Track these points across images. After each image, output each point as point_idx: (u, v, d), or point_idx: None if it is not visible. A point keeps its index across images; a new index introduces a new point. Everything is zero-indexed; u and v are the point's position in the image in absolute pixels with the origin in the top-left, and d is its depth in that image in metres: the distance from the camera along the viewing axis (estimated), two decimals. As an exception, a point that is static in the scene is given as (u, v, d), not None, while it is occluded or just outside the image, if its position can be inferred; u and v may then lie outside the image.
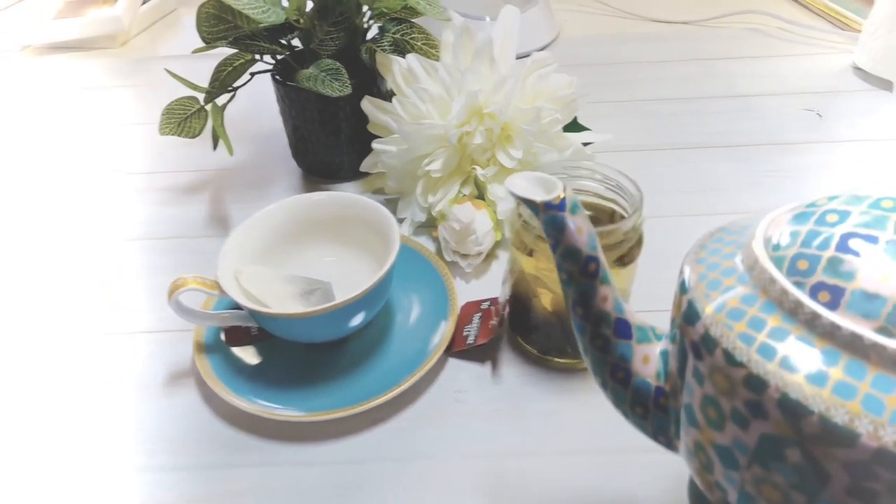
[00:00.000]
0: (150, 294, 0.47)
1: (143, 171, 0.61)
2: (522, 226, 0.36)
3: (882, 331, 0.18)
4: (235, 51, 0.51)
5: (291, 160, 0.59)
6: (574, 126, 0.50)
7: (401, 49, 0.51)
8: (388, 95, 0.52)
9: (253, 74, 0.52)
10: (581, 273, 0.24)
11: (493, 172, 0.48)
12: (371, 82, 0.53)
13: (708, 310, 0.21)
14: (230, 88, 0.51)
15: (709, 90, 0.69)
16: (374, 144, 0.49)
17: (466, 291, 0.46)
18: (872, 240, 0.20)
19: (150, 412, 0.39)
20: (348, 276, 0.42)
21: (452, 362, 0.41)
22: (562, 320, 0.38)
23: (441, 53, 0.48)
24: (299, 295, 0.41)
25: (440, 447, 0.36)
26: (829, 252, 0.20)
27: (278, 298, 0.39)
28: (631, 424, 0.27)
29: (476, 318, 0.42)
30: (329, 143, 0.54)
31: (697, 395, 0.22)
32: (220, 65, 0.50)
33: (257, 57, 0.51)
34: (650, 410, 0.25)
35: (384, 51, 0.50)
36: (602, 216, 0.38)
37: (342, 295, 0.40)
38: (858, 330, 0.18)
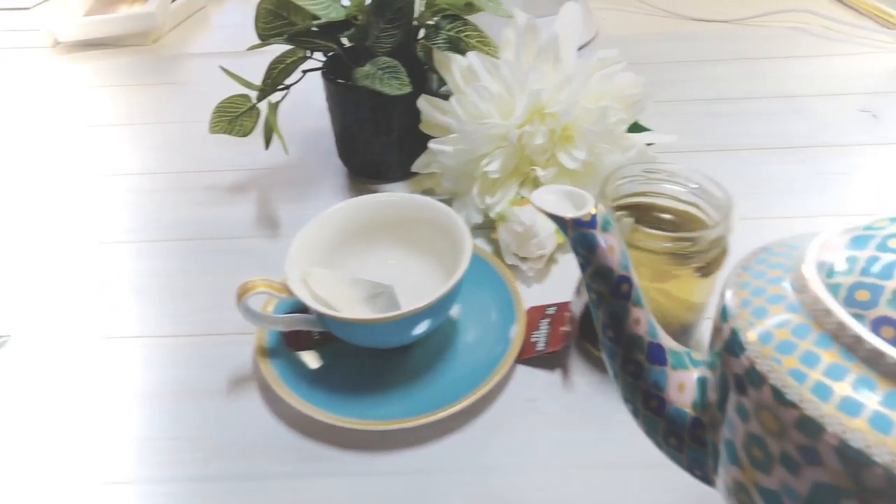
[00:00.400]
0: (199, 296, 0.46)
1: (184, 170, 0.60)
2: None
3: None
4: (287, 48, 0.50)
5: (337, 160, 0.58)
6: (634, 126, 0.49)
7: (456, 47, 0.49)
8: (437, 94, 0.51)
9: (305, 72, 0.51)
10: (612, 294, 0.23)
11: (553, 174, 0.47)
12: (422, 81, 0.52)
13: (753, 340, 0.20)
14: (282, 86, 0.50)
15: (756, 90, 0.68)
16: (431, 144, 0.48)
17: (528, 296, 0.45)
18: None
19: (211, 418, 0.38)
20: (411, 280, 0.41)
21: (521, 369, 0.40)
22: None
23: (501, 51, 0.47)
24: (364, 299, 0.40)
25: (513, 458, 0.35)
26: (894, 282, 0.18)
27: (346, 302, 0.38)
28: (665, 455, 0.25)
29: (544, 325, 0.41)
30: (380, 142, 0.53)
31: (741, 433, 0.20)
32: (272, 62, 0.49)
33: (308, 55, 0.50)
34: (685, 442, 0.24)
35: (439, 48, 0.49)
36: (683, 222, 0.37)
37: (405, 299, 0.40)
38: None
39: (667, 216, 0.37)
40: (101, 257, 0.51)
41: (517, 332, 0.40)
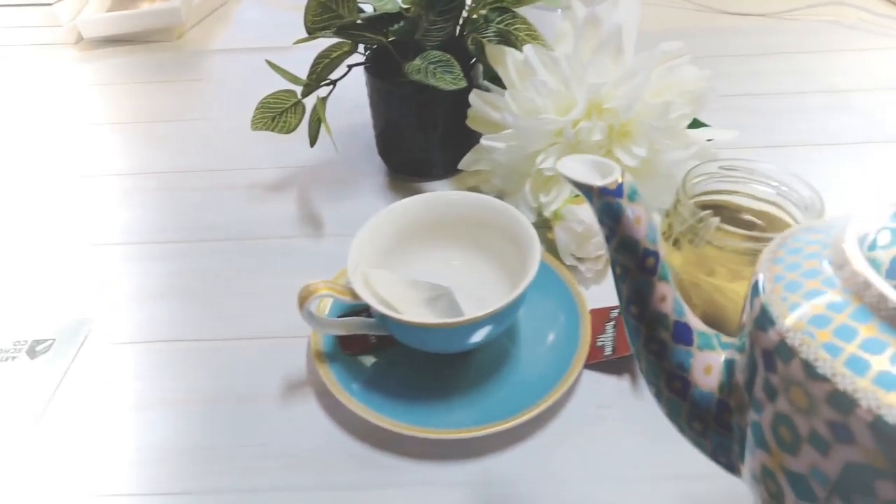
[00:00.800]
0: (244, 298, 0.45)
1: (218, 168, 0.59)
2: (676, 206, 0.33)
3: None
4: (333, 42, 0.48)
5: (377, 157, 0.57)
6: (692, 122, 0.48)
7: (506, 40, 0.48)
8: (483, 88, 0.50)
9: (350, 67, 0.50)
10: (638, 268, 0.22)
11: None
12: (470, 75, 0.50)
13: (785, 314, 0.19)
14: (327, 81, 0.49)
15: (801, 85, 0.66)
16: (484, 140, 0.46)
17: (587, 298, 0.43)
18: None
19: (268, 426, 0.37)
20: (473, 282, 0.40)
21: (588, 374, 0.38)
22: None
23: (558, 44, 0.46)
24: (425, 301, 0.38)
25: (584, 469, 0.34)
26: None
27: (406, 304, 0.37)
28: (688, 440, 0.24)
29: (609, 328, 0.39)
30: (424, 139, 0.52)
31: (768, 413, 0.19)
32: (318, 57, 0.48)
33: (355, 49, 0.49)
34: (710, 427, 0.23)
35: (490, 42, 0.47)
36: (763, 222, 0.35)
37: (466, 302, 0.38)
38: None
39: (745, 216, 0.36)
40: (139, 259, 0.49)
41: (583, 335, 0.38)
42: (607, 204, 0.21)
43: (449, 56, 0.45)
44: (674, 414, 0.24)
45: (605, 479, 0.33)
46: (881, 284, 0.17)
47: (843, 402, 0.17)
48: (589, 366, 0.38)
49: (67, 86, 0.75)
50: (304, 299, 0.34)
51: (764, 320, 0.19)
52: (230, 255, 0.49)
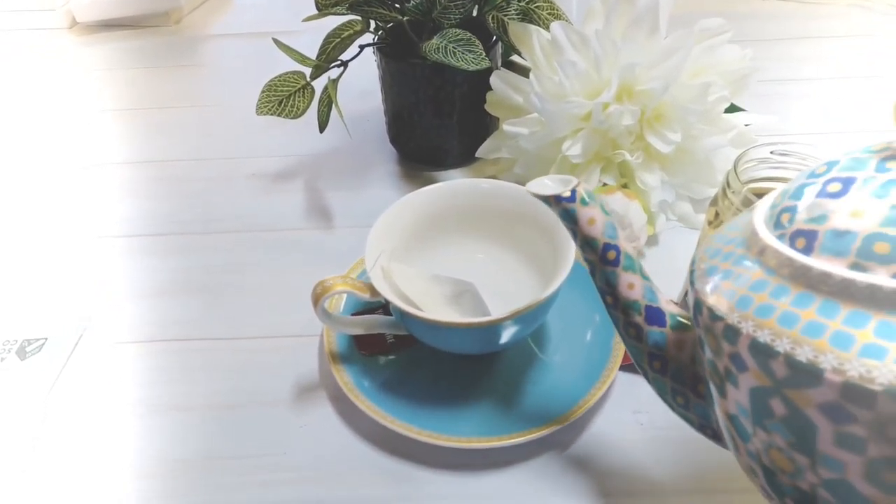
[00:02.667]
0: (251, 295, 0.42)
1: (220, 156, 0.56)
2: (724, 193, 0.31)
3: (855, 266, 0.18)
4: (343, 21, 0.45)
5: (388, 145, 0.54)
6: (729, 106, 0.45)
7: (528, 19, 0.45)
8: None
9: (362, 47, 0.47)
10: (601, 261, 0.25)
11: (641, 158, 0.42)
12: (487, 55, 0.47)
13: (698, 270, 0.22)
14: (338, 63, 0.46)
15: (827, 71, 0.63)
16: (507, 126, 0.43)
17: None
18: (849, 181, 0.19)
19: (279, 433, 0.34)
20: (500, 278, 0.37)
21: (622, 377, 0.36)
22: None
23: (586, 22, 0.43)
24: (448, 298, 0.35)
25: (622, 481, 0.31)
26: (809, 199, 0.20)
27: (430, 302, 0.34)
28: (680, 418, 0.26)
29: (645, 326, 0.36)
30: (440, 125, 0.49)
31: (706, 365, 0.22)
32: (328, 36, 0.45)
33: (367, 27, 0.46)
34: (690, 399, 0.25)
35: (512, 20, 0.44)
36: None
37: (492, 300, 0.35)
38: (829, 268, 0.18)
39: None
40: (140, 252, 0.46)
41: (617, 336, 0.35)
42: (564, 210, 0.25)
43: (470, 34, 0.42)
44: (662, 392, 0.26)
45: (642, 494, 0.31)
46: (764, 233, 0.20)
47: (732, 334, 0.20)
48: (624, 367, 0.36)
49: (62, 72, 0.71)
50: (318, 296, 0.31)
51: (691, 279, 0.23)
52: (235, 248, 0.46)
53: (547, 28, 0.44)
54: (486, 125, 0.50)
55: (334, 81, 0.44)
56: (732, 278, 0.20)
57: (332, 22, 0.45)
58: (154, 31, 0.79)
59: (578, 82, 0.41)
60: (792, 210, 0.20)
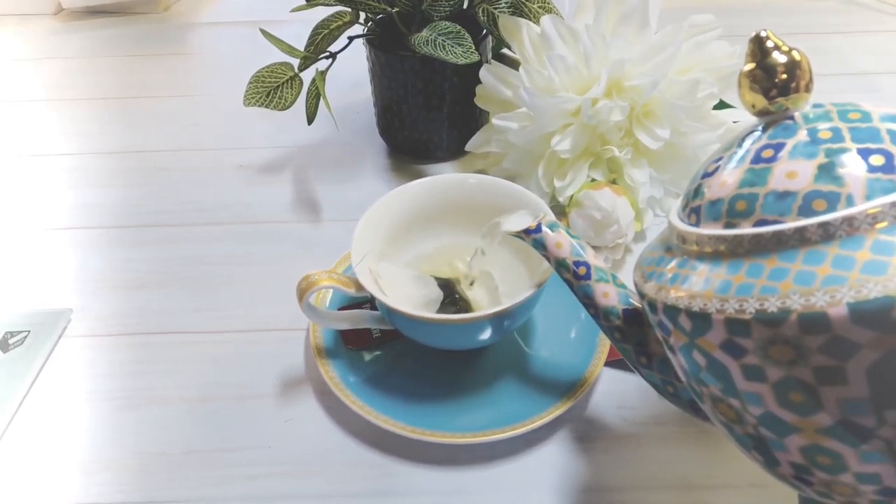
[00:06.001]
0: (237, 288, 0.42)
1: (208, 147, 0.55)
2: None
3: (728, 225, 0.20)
4: (333, 11, 0.44)
5: (378, 137, 0.53)
6: (717, 103, 0.45)
7: (519, 12, 0.44)
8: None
9: (351, 38, 0.46)
10: (575, 277, 0.28)
11: (630, 154, 0.42)
12: (477, 49, 0.47)
13: (638, 269, 0.25)
14: (326, 54, 0.45)
15: (822, 67, 0.63)
16: (496, 120, 0.43)
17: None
18: (721, 159, 0.22)
19: (263, 428, 0.34)
20: (487, 273, 0.37)
21: (607, 373, 0.36)
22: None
23: (577, 15, 0.42)
24: (434, 294, 0.35)
25: (609, 476, 0.31)
26: (746, 164, 0.21)
27: (416, 298, 0.34)
28: (674, 405, 0.27)
29: (631, 322, 0.37)
30: (430, 118, 0.48)
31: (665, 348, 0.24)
32: (316, 27, 0.44)
33: (356, 18, 0.45)
34: (677, 387, 0.26)
35: (503, 13, 0.44)
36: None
37: (479, 295, 0.35)
38: (707, 231, 0.21)
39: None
40: (124, 244, 0.46)
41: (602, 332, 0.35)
42: (534, 240, 0.29)
43: (460, 27, 0.41)
44: (656, 386, 0.27)
45: (626, 488, 0.31)
46: (673, 217, 0.23)
47: (652, 306, 0.22)
48: (610, 363, 0.36)
49: (47, 59, 0.70)
50: (304, 291, 0.31)
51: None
52: (222, 240, 0.46)
53: (537, 22, 0.43)
54: (476, 118, 0.50)
55: (322, 73, 0.44)
56: (656, 260, 0.24)
57: (323, 13, 0.45)
58: (142, 17, 0.78)
59: (568, 77, 0.41)
60: (688, 195, 0.23)
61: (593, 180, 0.43)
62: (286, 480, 0.32)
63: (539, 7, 0.45)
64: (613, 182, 0.43)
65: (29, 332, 0.38)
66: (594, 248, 0.42)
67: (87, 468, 0.32)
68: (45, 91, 0.64)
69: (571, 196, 0.42)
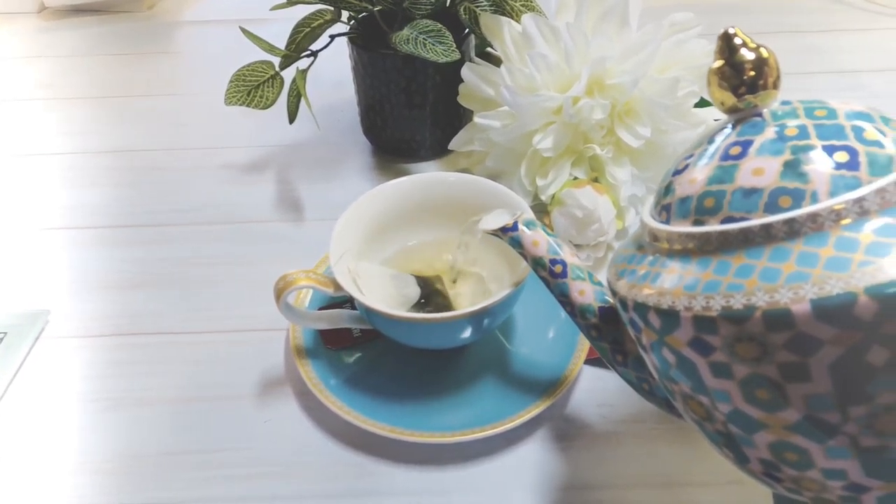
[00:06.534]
0: (217, 288, 0.42)
1: (191, 146, 0.55)
2: None
3: (696, 222, 0.20)
4: (314, 10, 0.44)
5: (362, 136, 0.53)
6: (698, 101, 0.45)
7: (501, 10, 0.44)
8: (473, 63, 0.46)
9: (333, 37, 0.46)
10: (551, 275, 0.28)
11: (611, 152, 0.42)
12: (457, 48, 0.46)
13: (612, 268, 0.25)
14: (307, 52, 0.45)
15: (809, 65, 0.64)
16: (478, 119, 0.43)
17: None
18: (691, 157, 0.22)
19: (242, 429, 0.34)
20: (468, 272, 0.37)
21: (587, 371, 0.36)
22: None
23: (559, 14, 0.42)
24: (413, 294, 0.35)
25: (589, 474, 0.31)
26: (714, 162, 0.21)
27: (395, 297, 0.34)
28: (649, 402, 0.27)
29: (612, 320, 0.37)
30: (413, 117, 0.48)
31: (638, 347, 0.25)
32: (297, 25, 0.44)
33: (337, 17, 0.45)
34: (652, 384, 0.26)
35: (484, 11, 0.44)
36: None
37: (459, 294, 0.35)
38: (676, 229, 0.21)
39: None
40: (105, 244, 0.45)
41: (584, 330, 0.35)
42: (511, 238, 0.29)
43: (440, 25, 0.41)
44: (631, 383, 0.28)
45: (605, 486, 0.31)
46: (645, 215, 0.23)
47: (624, 304, 0.22)
48: (589, 361, 0.36)
49: (30, 58, 0.69)
50: (281, 291, 0.31)
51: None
52: (203, 240, 0.45)
53: (519, 20, 0.43)
54: (459, 117, 0.50)
55: (303, 72, 0.44)
56: (628, 260, 0.24)
57: (304, 10, 0.45)
58: (126, 16, 0.77)
59: (549, 75, 0.41)
60: (659, 192, 0.23)
61: (575, 178, 0.43)
62: (265, 481, 0.32)
63: (521, 5, 0.45)
64: (595, 180, 0.43)
65: (6, 333, 0.38)
66: (576, 246, 0.42)
67: (65, 470, 0.32)
68: (29, 90, 0.64)
69: (554, 194, 0.42)
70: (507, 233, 0.29)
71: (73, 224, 0.47)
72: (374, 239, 0.37)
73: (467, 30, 0.47)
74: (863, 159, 0.18)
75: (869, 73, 0.62)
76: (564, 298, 0.28)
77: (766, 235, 0.18)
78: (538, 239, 0.29)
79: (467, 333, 0.33)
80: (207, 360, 0.37)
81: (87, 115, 0.59)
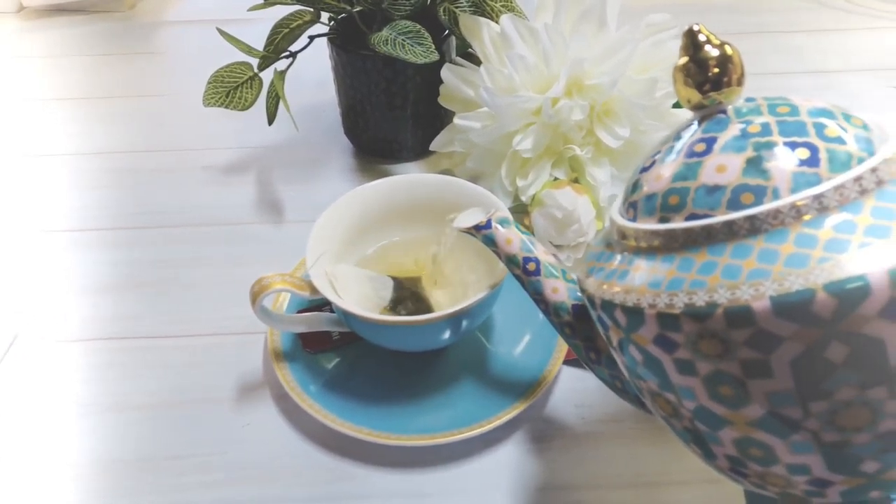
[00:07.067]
0: (197, 291, 0.41)
1: (171, 148, 0.54)
2: None
3: (662, 220, 0.20)
4: (293, 10, 0.44)
5: (343, 137, 0.53)
6: (678, 101, 0.45)
7: (481, 10, 0.44)
8: (454, 64, 0.46)
9: (312, 38, 0.46)
10: (525, 273, 0.28)
11: (591, 153, 0.42)
12: (437, 48, 0.46)
13: (581, 266, 0.25)
14: (286, 53, 0.45)
15: (782, 65, 0.64)
16: (458, 120, 0.43)
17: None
18: (658, 153, 0.22)
19: (220, 433, 0.34)
20: (447, 273, 0.37)
21: (566, 371, 0.36)
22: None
23: (537, 14, 0.42)
24: (391, 296, 0.35)
25: (567, 475, 0.31)
26: (680, 158, 0.21)
27: (373, 300, 0.34)
28: (627, 402, 0.28)
29: (590, 320, 0.37)
30: (394, 118, 0.48)
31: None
32: (275, 26, 0.44)
33: (316, 18, 0.45)
34: (625, 382, 0.26)
35: (464, 12, 0.44)
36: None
37: (438, 296, 0.35)
38: (643, 226, 0.21)
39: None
40: (83, 247, 0.45)
41: (562, 329, 0.36)
42: (485, 235, 0.29)
43: (419, 26, 0.41)
44: (604, 380, 0.28)
45: (584, 487, 0.31)
46: (614, 214, 0.23)
47: (591, 301, 0.22)
48: (568, 362, 0.36)
49: (8, 58, 0.69)
50: (256, 294, 0.31)
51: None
52: (182, 243, 0.45)
53: (498, 21, 0.43)
54: (441, 118, 0.50)
55: (280, 73, 0.43)
56: (597, 258, 0.24)
57: (285, 11, 0.44)
58: (106, 16, 0.77)
59: (528, 76, 0.41)
60: (627, 189, 0.24)
61: (556, 179, 0.43)
62: (244, 486, 0.31)
63: (502, 6, 0.45)
64: (576, 181, 0.43)
65: (-21, 338, 0.37)
66: (556, 247, 0.42)
67: (41, 477, 0.32)
68: (5, 91, 0.63)
69: (534, 195, 0.42)
70: (480, 231, 0.29)
71: (49, 227, 0.47)
72: (353, 241, 0.36)
73: (447, 31, 0.47)
74: (823, 156, 0.18)
75: (847, 73, 0.63)
76: (538, 296, 0.28)
77: (729, 232, 0.18)
78: (511, 237, 0.29)
79: (446, 335, 0.33)
80: (185, 364, 0.37)
81: (66, 117, 0.59)
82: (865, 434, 0.17)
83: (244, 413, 0.34)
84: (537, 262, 0.28)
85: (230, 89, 0.44)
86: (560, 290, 0.27)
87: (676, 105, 0.44)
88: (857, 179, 0.17)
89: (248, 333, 0.38)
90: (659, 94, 0.40)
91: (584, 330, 0.27)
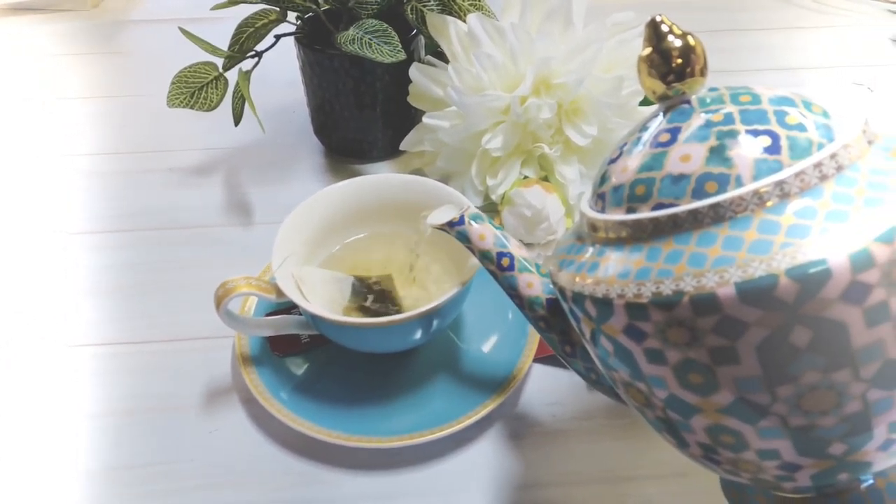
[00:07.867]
0: (163, 295, 0.40)
1: (137, 150, 0.53)
2: None
3: (629, 210, 0.21)
4: (259, 9, 0.43)
5: (313, 137, 0.52)
6: (644, 99, 0.45)
7: (448, 9, 0.44)
8: (427, 64, 0.46)
9: (278, 37, 0.45)
10: (499, 268, 0.28)
11: (560, 151, 0.42)
12: (406, 47, 0.46)
13: (553, 260, 0.25)
14: (252, 53, 0.44)
15: (756, 63, 0.65)
16: (426, 119, 0.43)
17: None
18: (624, 145, 0.23)
19: (188, 440, 0.33)
20: (416, 273, 0.36)
21: (538, 369, 0.36)
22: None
23: (504, 13, 0.42)
24: (359, 297, 0.34)
25: (539, 472, 0.31)
26: (645, 149, 0.21)
27: (340, 301, 0.33)
28: (605, 396, 0.28)
29: (562, 317, 0.37)
30: (363, 117, 0.48)
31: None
32: (240, 26, 0.43)
33: (281, 17, 0.44)
34: (599, 373, 0.26)
35: (431, 11, 0.44)
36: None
37: (408, 296, 0.35)
38: (610, 217, 0.21)
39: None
40: (47, 251, 0.43)
41: (531, 329, 0.35)
42: (458, 232, 0.29)
43: (386, 25, 0.41)
44: (580, 373, 0.28)
45: (555, 484, 0.31)
46: (584, 205, 0.24)
47: (562, 293, 0.22)
48: (539, 360, 0.36)
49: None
50: (221, 298, 0.30)
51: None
52: (148, 246, 0.44)
53: (465, 20, 0.43)
54: (411, 117, 0.49)
55: (246, 74, 0.43)
56: (567, 250, 0.24)
57: (248, 10, 0.44)
58: (69, 15, 0.75)
59: (496, 75, 0.41)
60: (595, 181, 0.24)
61: (526, 178, 0.43)
62: (213, 492, 0.31)
63: (470, 4, 0.45)
64: (545, 179, 0.43)
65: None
66: (526, 245, 0.42)
67: (4, 489, 0.30)
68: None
69: (504, 194, 0.42)
70: (454, 227, 0.29)
71: (10, 231, 0.45)
72: (320, 243, 0.36)
73: (415, 30, 0.46)
74: (784, 143, 0.18)
75: (815, 69, 0.64)
76: (513, 291, 0.28)
77: (694, 221, 0.18)
78: (485, 232, 0.28)
79: (416, 336, 0.32)
80: (151, 369, 0.36)
81: (28, 118, 0.57)
82: (831, 417, 0.17)
83: (212, 419, 0.34)
84: (511, 257, 0.28)
85: (195, 90, 0.43)
86: (534, 285, 0.27)
87: (643, 103, 0.45)
88: (818, 165, 0.18)
89: (216, 338, 0.37)
90: (625, 93, 0.40)
91: (559, 324, 0.27)
